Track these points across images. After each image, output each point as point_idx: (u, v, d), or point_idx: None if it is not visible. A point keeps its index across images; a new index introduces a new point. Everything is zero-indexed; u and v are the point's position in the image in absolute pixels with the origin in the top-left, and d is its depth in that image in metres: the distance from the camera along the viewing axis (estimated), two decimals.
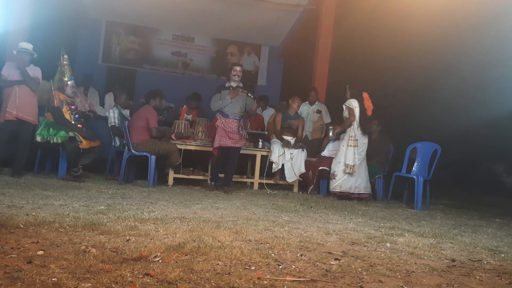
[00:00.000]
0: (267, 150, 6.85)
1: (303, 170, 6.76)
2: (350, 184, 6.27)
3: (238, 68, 6.26)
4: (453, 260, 3.04)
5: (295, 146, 6.85)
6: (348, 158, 6.25)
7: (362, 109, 6.33)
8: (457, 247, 3.55)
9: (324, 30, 7.88)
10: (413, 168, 6.51)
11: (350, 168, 6.23)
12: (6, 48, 6.40)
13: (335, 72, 7.96)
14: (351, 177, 6.27)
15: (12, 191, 4.51)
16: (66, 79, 6.28)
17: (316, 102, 7.64)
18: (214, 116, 6.33)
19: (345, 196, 6.26)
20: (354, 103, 6.36)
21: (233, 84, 6.20)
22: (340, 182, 6.27)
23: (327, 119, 7.62)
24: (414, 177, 6.30)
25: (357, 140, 6.28)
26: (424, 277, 2.56)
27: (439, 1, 6.80)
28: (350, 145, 6.28)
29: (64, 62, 6.29)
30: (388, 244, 3.40)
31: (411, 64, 8.75)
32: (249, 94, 6.23)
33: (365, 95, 6.39)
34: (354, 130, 6.29)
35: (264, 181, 6.81)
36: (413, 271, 2.67)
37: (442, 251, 3.34)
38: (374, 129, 7.28)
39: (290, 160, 6.78)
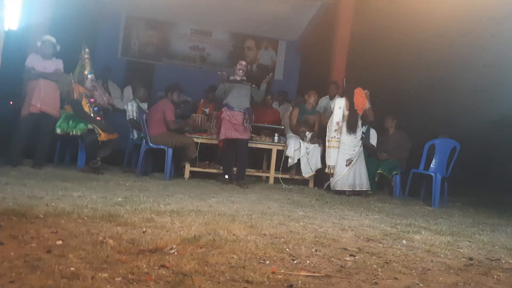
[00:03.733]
0: (283, 144, 6.85)
1: (319, 165, 6.74)
2: (350, 181, 6.25)
3: (243, 63, 6.48)
4: (471, 259, 3.00)
5: (311, 141, 6.83)
6: (330, 158, 6.27)
7: (352, 108, 6.28)
8: (474, 245, 3.50)
9: (342, 24, 7.80)
10: (431, 165, 6.43)
11: (331, 169, 6.25)
12: (28, 42, 6.50)
13: (353, 67, 7.88)
14: (351, 174, 6.25)
15: (33, 182, 4.59)
16: (86, 72, 6.37)
17: (336, 96, 7.58)
18: None
19: (341, 191, 6.24)
20: (338, 103, 6.33)
21: (237, 78, 6.38)
22: (340, 179, 6.24)
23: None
24: (432, 174, 6.22)
25: (338, 141, 6.27)
26: (440, 275, 2.54)
27: None
28: (332, 146, 6.28)
29: (85, 56, 6.38)
30: (404, 241, 3.38)
31: (431, 59, 8.61)
32: (253, 85, 6.41)
33: (358, 91, 6.30)
34: (337, 131, 6.27)
35: (279, 176, 6.81)
36: (429, 269, 2.65)
37: (459, 249, 3.30)
38: (390, 125, 7.22)
39: (306, 155, 6.76)
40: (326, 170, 6.35)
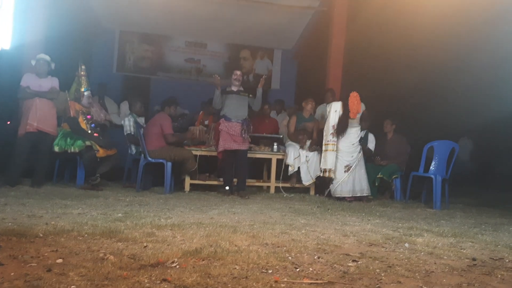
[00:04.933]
0: (282, 153, 6.85)
1: (319, 172, 6.73)
2: (349, 187, 6.25)
3: (238, 73, 6.48)
4: (474, 259, 2.99)
5: (310, 148, 6.83)
6: (326, 162, 6.30)
7: (345, 112, 6.30)
8: (477, 246, 3.49)
9: (337, 31, 7.84)
10: (431, 167, 6.43)
11: (328, 172, 6.28)
12: (22, 61, 6.52)
13: (349, 73, 7.92)
14: (350, 180, 6.25)
15: (32, 201, 4.58)
16: (82, 89, 6.38)
17: (327, 105, 7.59)
18: None
19: (342, 198, 6.25)
20: (334, 107, 6.36)
21: (234, 88, 6.38)
22: (339, 185, 6.25)
23: None
24: (432, 176, 6.22)
25: (334, 144, 6.30)
26: (444, 277, 2.52)
27: None
28: (328, 150, 6.32)
29: (82, 73, 6.39)
30: (406, 245, 3.36)
31: (425, 62, 8.65)
32: (250, 96, 6.42)
33: (354, 95, 6.31)
34: (333, 135, 6.30)
35: (280, 185, 6.80)
36: (433, 271, 2.63)
37: (462, 250, 3.29)
38: (389, 129, 7.22)
39: (306, 163, 6.76)
40: (322, 174, 6.37)
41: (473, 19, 7.10)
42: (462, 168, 10.37)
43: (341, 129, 6.30)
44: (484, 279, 2.54)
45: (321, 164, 6.39)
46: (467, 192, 8.06)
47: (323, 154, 6.39)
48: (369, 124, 6.79)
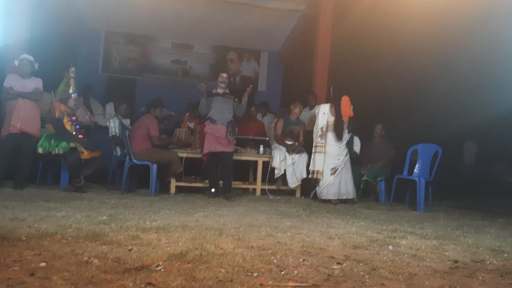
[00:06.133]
0: (269, 155, 6.86)
1: (305, 175, 6.76)
2: (335, 190, 6.30)
3: (224, 75, 6.47)
4: (456, 261, 3.04)
5: (296, 151, 6.85)
6: (314, 163, 6.36)
7: (338, 115, 6.35)
8: (460, 248, 3.55)
9: (322, 34, 7.91)
10: (415, 170, 6.50)
11: (316, 173, 6.33)
12: (6, 62, 6.43)
13: (335, 76, 7.97)
14: (336, 183, 6.29)
15: (15, 204, 4.52)
16: (71, 91, 6.31)
17: (316, 106, 7.63)
18: None
19: (328, 200, 6.30)
20: (322, 109, 6.43)
21: (220, 91, 6.37)
22: (325, 187, 6.29)
23: None
24: (416, 179, 6.29)
25: (323, 146, 6.35)
26: (426, 279, 2.56)
27: (435, 1, 6.81)
28: (317, 152, 6.37)
29: (72, 75, 6.32)
30: (390, 247, 3.40)
31: (410, 65, 8.74)
32: (236, 99, 6.42)
33: (345, 99, 6.37)
34: (321, 137, 6.36)
35: (266, 187, 6.81)
36: (416, 274, 2.67)
37: (444, 252, 3.34)
38: (378, 133, 7.28)
39: (292, 165, 6.78)
40: (310, 175, 6.40)
41: (459, 21, 7.20)
42: (468, 171, 10.57)
43: (338, 132, 6.35)
44: (465, 281, 2.58)
45: (310, 166, 6.42)
46: (450, 195, 8.16)
47: (312, 156, 6.43)
48: (353, 126, 6.83)
